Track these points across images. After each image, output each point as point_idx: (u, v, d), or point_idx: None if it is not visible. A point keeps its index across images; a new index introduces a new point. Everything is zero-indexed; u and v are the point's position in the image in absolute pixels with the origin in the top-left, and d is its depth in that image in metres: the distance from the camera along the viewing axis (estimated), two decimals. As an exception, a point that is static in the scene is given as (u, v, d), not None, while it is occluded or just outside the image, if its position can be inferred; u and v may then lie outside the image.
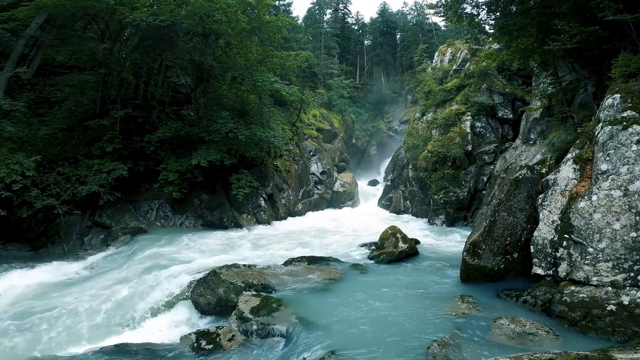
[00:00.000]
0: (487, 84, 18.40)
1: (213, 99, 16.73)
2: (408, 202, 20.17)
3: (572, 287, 5.83)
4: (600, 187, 5.93)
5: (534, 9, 9.35)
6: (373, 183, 28.38)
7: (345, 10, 48.13)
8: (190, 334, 5.83)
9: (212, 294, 7.11)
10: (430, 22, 43.79)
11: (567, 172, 6.75)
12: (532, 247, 6.66)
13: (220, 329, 5.87)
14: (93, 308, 7.21)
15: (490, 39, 12.72)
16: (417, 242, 11.60)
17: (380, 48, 47.16)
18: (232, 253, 10.98)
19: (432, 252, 10.85)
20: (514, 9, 10.13)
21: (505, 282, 7.25)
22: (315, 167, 23.28)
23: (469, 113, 17.87)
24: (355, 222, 17.53)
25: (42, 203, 10.98)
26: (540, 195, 6.97)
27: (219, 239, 12.90)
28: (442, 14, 12.27)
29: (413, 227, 15.97)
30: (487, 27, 12.18)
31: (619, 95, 6.37)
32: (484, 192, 16.20)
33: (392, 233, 10.68)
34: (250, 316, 6.05)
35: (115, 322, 6.90)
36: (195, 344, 5.55)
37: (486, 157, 17.01)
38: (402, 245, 10.18)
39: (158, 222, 14.10)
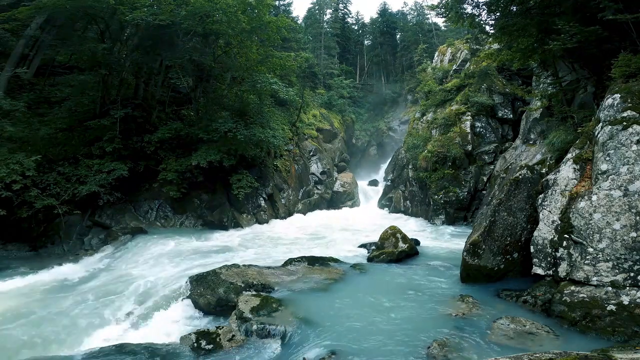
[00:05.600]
0: (487, 84, 18.41)
1: (213, 99, 16.74)
2: (408, 202, 20.16)
3: (572, 287, 5.83)
4: (600, 187, 5.93)
5: (534, 9, 9.35)
6: (373, 183, 28.35)
7: (345, 10, 48.14)
8: (190, 334, 5.81)
9: (212, 293, 7.10)
10: (430, 22, 43.77)
11: (567, 172, 6.75)
12: (532, 247, 6.66)
13: (220, 329, 5.86)
14: (93, 308, 7.22)
15: (491, 39, 12.74)
16: (417, 242, 11.59)
17: (380, 48, 47.11)
18: (232, 253, 10.98)
19: (432, 252, 10.85)
20: (514, 9, 10.13)
21: (505, 282, 7.24)
22: (315, 167, 23.28)
23: (469, 113, 17.88)
24: (355, 222, 17.52)
25: (42, 203, 10.98)
26: (540, 195, 6.96)
27: (219, 239, 12.90)
28: (442, 15, 12.29)
29: (413, 227, 15.97)
30: (487, 27, 12.20)
31: (619, 95, 6.36)
32: (484, 192, 16.21)
33: (392, 233, 10.67)
34: (250, 316, 6.04)
35: (115, 322, 6.90)
36: (195, 344, 5.54)
37: (486, 157, 17.02)
38: (402, 245, 10.17)
39: (158, 222, 14.10)
